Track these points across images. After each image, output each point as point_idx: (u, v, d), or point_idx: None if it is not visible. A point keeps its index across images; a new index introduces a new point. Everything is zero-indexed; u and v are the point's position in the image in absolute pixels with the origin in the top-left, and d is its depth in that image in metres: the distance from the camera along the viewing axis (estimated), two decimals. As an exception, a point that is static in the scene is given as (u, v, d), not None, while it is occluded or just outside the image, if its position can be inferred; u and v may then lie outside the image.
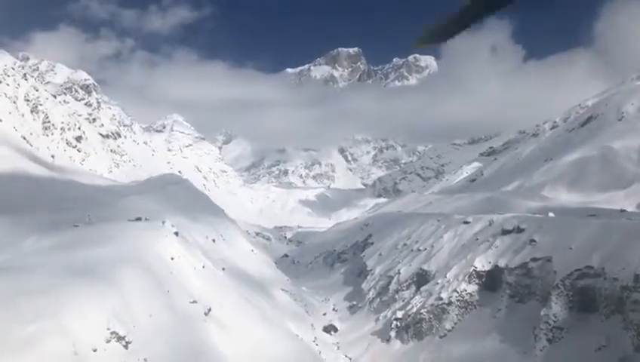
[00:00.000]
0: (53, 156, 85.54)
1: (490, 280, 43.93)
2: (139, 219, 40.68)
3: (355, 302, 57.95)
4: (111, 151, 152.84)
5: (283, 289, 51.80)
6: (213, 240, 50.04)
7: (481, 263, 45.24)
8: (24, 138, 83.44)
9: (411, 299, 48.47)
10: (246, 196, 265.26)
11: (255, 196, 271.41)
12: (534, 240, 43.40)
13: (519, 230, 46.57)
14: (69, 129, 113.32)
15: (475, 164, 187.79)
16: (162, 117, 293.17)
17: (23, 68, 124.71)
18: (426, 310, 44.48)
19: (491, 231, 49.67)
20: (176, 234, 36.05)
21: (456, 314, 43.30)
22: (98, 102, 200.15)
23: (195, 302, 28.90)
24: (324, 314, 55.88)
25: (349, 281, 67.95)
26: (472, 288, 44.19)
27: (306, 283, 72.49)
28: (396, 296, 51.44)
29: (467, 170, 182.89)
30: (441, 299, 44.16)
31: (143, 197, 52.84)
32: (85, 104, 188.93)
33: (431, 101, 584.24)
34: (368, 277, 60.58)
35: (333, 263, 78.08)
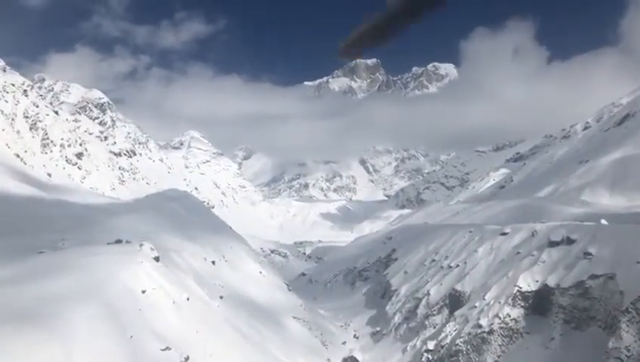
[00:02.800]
0: (49, 174, 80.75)
1: (539, 303, 36.78)
2: (119, 241, 34.69)
3: (378, 328, 51.03)
4: (120, 168, 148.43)
5: (295, 317, 45.15)
6: (213, 263, 43.73)
7: (526, 282, 38.12)
8: (18, 156, 78.74)
9: (444, 325, 41.47)
10: (266, 211, 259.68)
11: (275, 211, 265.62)
12: (590, 254, 36.22)
13: (569, 241, 39.42)
14: (69, 145, 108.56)
15: (503, 171, 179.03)
16: (179, 133, 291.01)
17: (32, 87, 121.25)
18: (462, 340, 37.43)
19: (535, 243, 42.52)
20: (157, 259, 29.83)
21: (500, 345, 36.17)
22: (113, 121, 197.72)
23: (168, 348, 22.51)
24: (344, 343, 49.02)
25: (371, 302, 61.03)
26: (517, 312, 37.05)
27: (324, 304, 65.83)
28: (426, 322, 44.43)
29: (494, 177, 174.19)
30: (480, 326, 37.08)
31: (135, 216, 46.90)
32: (99, 123, 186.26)
33: (452, 108, 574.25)
34: (393, 299, 53.66)
35: (354, 282, 71.17)
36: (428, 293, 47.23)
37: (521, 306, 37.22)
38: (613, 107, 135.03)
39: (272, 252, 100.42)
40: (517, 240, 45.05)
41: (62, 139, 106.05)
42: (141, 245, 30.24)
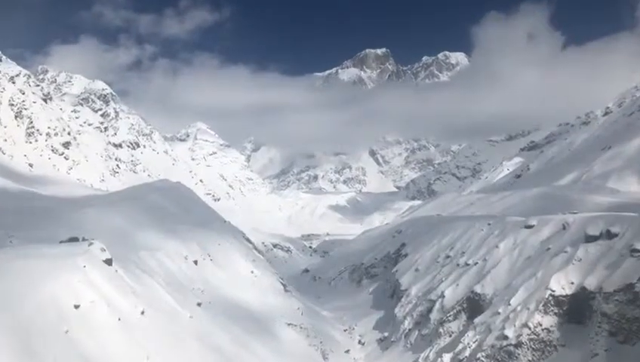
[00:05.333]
0: (31, 165, 75.58)
1: (576, 310, 30.84)
2: (75, 239, 29.16)
3: (386, 334, 45.29)
4: (116, 160, 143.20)
5: (290, 324, 39.54)
6: (195, 262, 38.16)
7: (560, 284, 32.16)
8: (-4, 146, 73.83)
9: (462, 334, 35.63)
10: (274, 204, 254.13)
11: (283, 203, 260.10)
12: (638, 250, 30.20)
13: (610, 235, 33.40)
14: (55, 134, 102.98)
15: (517, 160, 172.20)
16: (186, 125, 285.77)
17: (29, 77, 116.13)
18: (484, 354, 31.58)
19: (568, 237, 36.50)
20: (109, 261, 24.25)
21: (530, 360, 30.28)
22: (116, 112, 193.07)
23: (98, 386, 16.92)
24: (347, 352, 43.42)
25: (379, 303, 55.33)
26: (550, 321, 31.13)
27: (327, 304, 60.26)
28: (440, 329, 38.57)
29: (508, 166, 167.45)
30: (506, 337, 31.21)
31: (108, 209, 41.40)
32: (102, 114, 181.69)
33: (464, 97, 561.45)
34: (403, 300, 47.83)
35: (361, 279, 65.44)
36: (442, 295, 41.36)
37: (555, 313, 31.29)
38: (636, 90, 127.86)
39: (275, 246, 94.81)
40: (545, 234, 39.04)
41: (49, 127, 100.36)
42: (90, 244, 24.65)
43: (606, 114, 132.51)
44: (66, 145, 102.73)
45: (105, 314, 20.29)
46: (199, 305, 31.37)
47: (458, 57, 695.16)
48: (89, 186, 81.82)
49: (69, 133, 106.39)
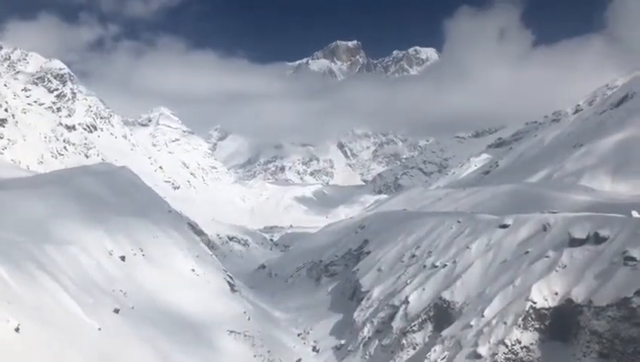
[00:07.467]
0: (-45, 143, 68.52)
1: (561, 325, 26.64)
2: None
3: (343, 341, 40.62)
4: (64, 141, 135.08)
5: (232, 332, 34.39)
6: (122, 258, 32.70)
7: (542, 294, 27.90)
8: None
9: (428, 348, 31.04)
10: (237, 194, 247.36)
11: (247, 193, 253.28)
12: (633, 258, 26.12)
13: (599, 239, 29.29)
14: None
15: (485, 156, 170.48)
16: (148, 110, 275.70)
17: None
18: (453, 374, 27.13)
19: (549, 239, 32.33)
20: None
21: (506, 384, 25.94)
22: (73, 93, 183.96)
23: None
24: (299, 361, 38.59)
25: (337, 304, 50.59)
26: (530, 337, 26.85)
27: (282, 304, 55.35)
28: (403, 341, 33.98)
29: (476, 163, 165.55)
30: (479, 355, 26.79)
31: (26, 194, 35.52)
32: (58, 95, 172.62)
33: (433, 92, 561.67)
34: (363, 303, 43.12)
35: (320, 277, 60.57)
36: (406, 301, 36.77)
37: (536, 329, 27.04)
38: (607, 89, 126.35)
39: (231, 239, 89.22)
40: (523, 235, 34.85)
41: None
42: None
43: (577, 112, 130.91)
44: (2, 122, 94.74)
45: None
46: (117, 311, 26.04)
47: (428, 52, 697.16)
48: (24, 168, 74.99)
49: (6, 110, 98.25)
